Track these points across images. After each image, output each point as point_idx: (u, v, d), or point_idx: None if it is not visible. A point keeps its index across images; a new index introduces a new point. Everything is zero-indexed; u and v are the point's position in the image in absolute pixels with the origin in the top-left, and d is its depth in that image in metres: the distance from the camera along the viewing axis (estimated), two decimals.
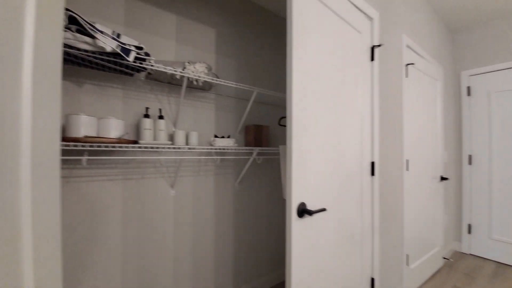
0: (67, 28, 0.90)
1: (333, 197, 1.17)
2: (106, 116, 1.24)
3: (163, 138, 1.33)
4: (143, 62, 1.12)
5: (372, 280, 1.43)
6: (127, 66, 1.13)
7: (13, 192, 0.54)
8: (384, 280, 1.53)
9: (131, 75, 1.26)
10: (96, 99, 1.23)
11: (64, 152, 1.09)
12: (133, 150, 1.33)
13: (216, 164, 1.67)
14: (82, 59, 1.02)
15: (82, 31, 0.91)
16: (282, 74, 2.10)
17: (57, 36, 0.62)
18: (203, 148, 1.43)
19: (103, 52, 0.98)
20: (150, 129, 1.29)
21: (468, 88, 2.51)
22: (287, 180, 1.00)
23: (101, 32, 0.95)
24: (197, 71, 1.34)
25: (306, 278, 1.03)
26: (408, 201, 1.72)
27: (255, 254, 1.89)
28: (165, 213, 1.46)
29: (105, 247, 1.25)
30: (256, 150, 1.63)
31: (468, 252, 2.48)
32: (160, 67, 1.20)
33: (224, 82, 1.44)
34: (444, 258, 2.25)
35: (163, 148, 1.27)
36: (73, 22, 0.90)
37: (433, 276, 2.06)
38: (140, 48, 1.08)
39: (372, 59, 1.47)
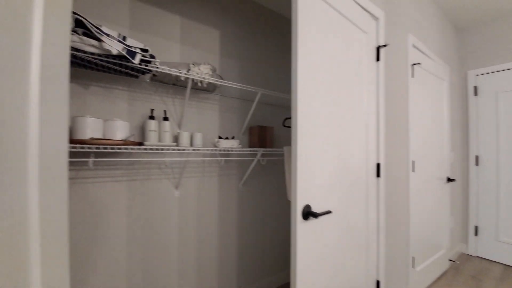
0: (73, 31, 0.90)
1: (338, 199, 1.16)
2: (112, 118, 1.25)
3: (168, 140, 1.33)
4: (148, 64, 1.13)
5: (378, 282, 1.42)
6: (132, 68, 1.14)
7: (21, 194, 0.55)
8: (390, 282, 1.51)
9: (136, 77, 1.26)
10: (102, 101, 1.24)
11: (71, 154, 1.09)
12: (138, 152, 1.34)
13: (220, 165, 1.67)
14: (88, 61, 1.03)
15: (88, 34, 0.92)
16: (286, 75, 2.10)
17: (65, 41, 0.63)
18: (208, 150, 1.43)
19: (109, 55, 0.99)
20: (155, 131, 1.30)
21: (475, 88, 2.47)
22: (292, 182, 0.99)
23: (107, 35, 0.95)
24: (202, 73, 1.34)
25: (311, 281, 1.02)
26: (414, 203, 1.70)
27: (259, 255, 1.89)
28: (170, 213, 1.46)
29: (110, 247, 1.26)
30: (261, 151, 1.63)
31: (474, 255, 2.45)
32: (165, 69, 1.20)
33: (229, 83, 1.44)
34: (450, 260, 2.22)
35: (168, 149, 1.28)
36: (79, 25, 0.91)
37: (439, 278, 2.04)
38: (146, 51, 1.08)
39: (378, 59, 1.46)
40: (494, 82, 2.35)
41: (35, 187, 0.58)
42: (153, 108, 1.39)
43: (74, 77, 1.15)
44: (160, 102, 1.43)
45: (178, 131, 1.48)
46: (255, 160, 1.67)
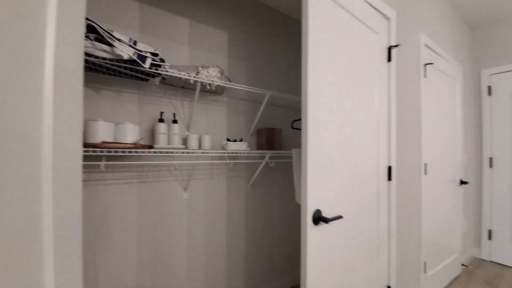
0: (86, 36, 0.91)
1: (349, 204, 1.14)
2: (122, 121, 1.26)
3: (177, 142, 1.34)
4: (158, 68, 1.13)
5: None
6: (142, 72, 1.14)
7: (35, 198, 0.56)
8: None
9: (146, 80, 1.27)
10: (113, 104, 1.26)
11: (83, 158, 1.11)
12: (148, 155, 1.35)
13: (228, 167, 1.67)
14: (100, 65, 1.04)
15: (100, 39, 0.93)
16: (294, 76, 2.08)
17: (78, 48, 0.63)
18: (216, 152, 1.43)
19: (120, 60, 0.99)
20: (164, 133, 1.30)
21: (489, 88, 2.39)
22: (302, 187, 0.98)
23: (119, 40, 0.96)
24: (211, 76, 1.34)
25: (321, 286, 1.01)
26: (426, 207, 1.66)
27: (267, 257, 1.89)
28: (178, 215, 1.47)
29: (120, 247, 1.28)
30: (269, 153, 1.62)
31: (488, 259, 2.38)
32: (175, 73, 1.20)
33: (237, 86, 1.44)
34: (463, 265, 2.16)
35: (178, 152, 1.28)
36: (91, 31, 0.91)
37: (451, 284, 1.99)
38: (156, 55, 1.09)
39: (389, 59, 1.42)
40: (509, 81, 2.27)
41: (49, 191, 0.59)
42: (162, 111, 1.40)
43: (85, 81, 1.16)
44: (169, 104, 1.43)
45: (187, 133, 1.48)
46: (263, 162, 1.66)
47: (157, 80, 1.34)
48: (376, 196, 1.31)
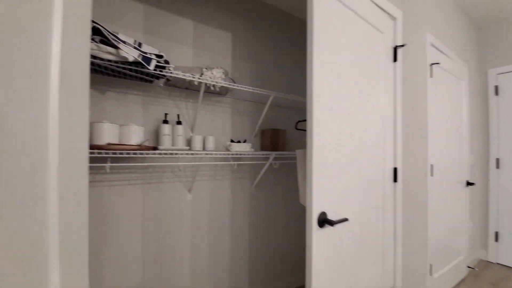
0: (91, 39, 0.91)
1: (355, 206, 1.13)
2: (127, 122, 1.27)
3: (181, 143, 1.34)
4: (163, 70, 1.13)
5: None
6: (147, 74, 1.15)
7: (41, 200, 0.56)
8: None
9: (151, 81, 1.27)
10: (118, 106, 1.26)
11: (89, 159, 1.11)
12: (152, 156, 1.35)
13: (232, 168, 1.67)
14: (105, 67, 1.05)
15: (105, 41, 0.93)
16: (299, 76, 2.07)
17: (84, 52, 0.63)
18: (220, 154, 1.43)
19: (126, 62, 0.99)
20: (169, 135, 1.30)
21: (496, 87, 2.35)
22: (307, 189, 0.97)
23: (124, 42, 0.96)
24: (215, 77, 1.34)
25: None
26: (432, 208, 1.64)
27: (271, 258, 1.88)
28: (183, 216, 1.47)
29: (125, 247, 1.28)
30: (273, 154, 1.61)
31: (494, 261, 2.35)
32: (179, 74, 1.20)
33: (241, 87, 1.43)
34: (469, 267, 2.13)
35: (182, 153, 1.28)
36: (97, 33, 0.92)
37: (457, 286, 1.97)
38: (161, 56, 1.09)
39: (395, 59, 1.41)
40: None
41: (55, 193, 0.59)
42: (166, 112, 1.40)
43: (91, 83, 1.16)
44: (173, 106, 1.43)
45: (191, 134, 1.48)
46: (268, 163, 1.65)
47: (161, 81, 1.34)
48: (382, 198, 1.29)
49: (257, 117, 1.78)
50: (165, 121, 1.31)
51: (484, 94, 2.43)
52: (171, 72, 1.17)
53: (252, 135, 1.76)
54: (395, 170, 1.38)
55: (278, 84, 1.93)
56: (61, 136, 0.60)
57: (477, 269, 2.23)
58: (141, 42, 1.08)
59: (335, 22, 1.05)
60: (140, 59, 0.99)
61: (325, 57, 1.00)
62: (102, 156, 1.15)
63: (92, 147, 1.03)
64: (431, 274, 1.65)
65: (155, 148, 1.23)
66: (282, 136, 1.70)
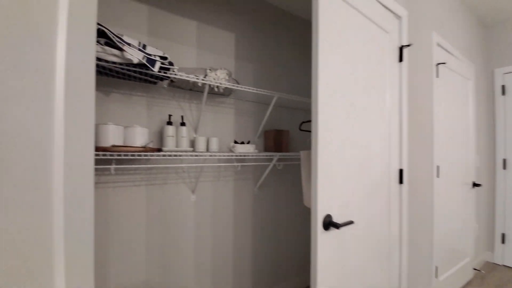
0: (96, 41, 0.92)
1: (360, 208, 1.12)
2: (131, 124, 1.27)
3: (185, 145, 1.34)
4: (167, 72, 1.13)
5: None
6: (151, 75, 1.15)
7: (46, 202, 0.56)
8: None
9: (155, 83, 1.27)
10: (122, 107, 1.26)
11: (94, 161, 1.12)
12: (157, 158, 1.35)
13: (236, 169, 1.66)
14: (110, 69, 1.05)
15: (110, 44, 0.93)
16: (302, 77, 2.05)
17: (90, 55, 0.63)
18: (224, 155, 1.43)
19: (130, 64, 0.99)
20: (172, 136, 1.30)
21: (503, 87, 2.32)
22: (312, 191, 0.96)
23: (128, 44, 0.96)
24: (219, 78, 1.33)
25: None
26: (438, 210, 1.62)
27: (275, 259, 1.88)
28: (186, 217, 1.47)
29: (129, 247, 1.29)
30: (277, 156, 1.61)
31: (501, 263, 2.31)
32: (183, 76, 1.20)
33: (245, 88, 1.43)
34: (475, 269, 2.11)
35: (186, 155, 1.28)
36: (102, 36, 0.92)
37: None
38: (165, 58, 1.08)
39: (401, 59, 1.39)
40: None
41: (61, 195, 0.59)
42: (170, 113, 1.40)
43: (95, 85, 1.17)
44: (177, 107, 1.43)
45: (195, 135, 1.48)
46: (271, 164, 1.65)
47: (165, 83, 1.34)
48: (387, 200, 1.28)
49: (260, 118, 1.77)
50: (169, 123, 1.31)
51: (490, 94, 2.39)
52: (175, 74, 1.17)
53: (256, 136, 1.75)
54: (401, 171, 1.36)
55: (282, 84, 1.92)
56: (67, 138, 0.60)
57: (483, 271, 2.20)
58: (145, 44, 1.08)
59: (340, 22, 1.04)
60: (144, 61, 0.99)
61: (330, 57, 0.99)
62: (107, 158, 1.15)
63: (97, 149, 1.03)
64: (436, 276, 1.63)
65: (159, 150, 1.23)
66: (286, 137, 1.69)
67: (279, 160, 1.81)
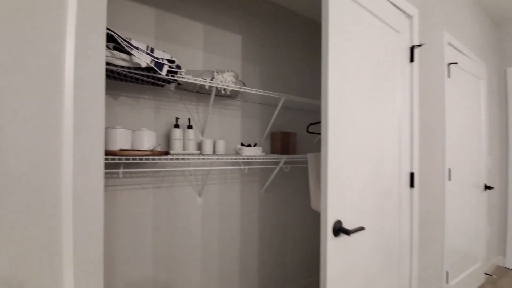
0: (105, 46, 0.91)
1: (371, 213, 1.10)
2: (139, 127, 1.27)
3: (192, 148, 1.33)
4: (174, 75, 1.13)
5: None
6: (159, 79, 1.14)
7: (54, 204, 0.56)
8: None
9: (162, 86, 1.27)
10: (130, 110, 1.26)
11: None
12: (164, 162, 1.35)
13: (242, 172, 1.65)
14: (118, 73, 1.05)
15: (119, 48, 0.93)
16: (310, 78, 2.03)
17: (99, 63, 0.63)
18: (231, 158, 1.42)
19: (138, 67, 0.99)
20: (180, 139, 1.30)
21: None
22: (322, 196, 0.94)
23: (137, 48, 0.95)
24: (226, 80, 1.32)
25: None
26: (449, 214, 1.58)
27: (282, 262, 1.87)
28: (193, 220, 1.47)
29: (137, 248, 1.29)
30: (284, 158, 1.59)
31: None
32: (191, 79, 1.19)
33: (253, 90, 1.41)
34: (486, 274, 2.06)
35: (193, 158, 1.28)
36: (110, 40, 0.91)
37: None
38: (172, 62, 1.08)
39: (412, 60, 1.35)
40: None
41: (70, 199, 0.59)
42: (177, 116, 1.40)
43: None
44: (184, 109, 1.43)
45: (201, 138, 1.48)
46: (278, 167, 1.63)
47: (172, 85, 1.34)
48: (398, 204, 1.25)
49: (267, 120, 1.76)
50: (176, 125, 1.31)
51: (503, 94, 2.32)
52: (182, 77, 1.16)
53: (262, 138, 1.74)
54: (412, 175, 1.33)
55: (289, 86, 1.90)
56: (76, 144, 0.60)
57: (494, 276, 2.14)
58: (153, 47, 1.08)
59: (351, 22, 1.02)
60: (152, 65, 0.99)
61: (340, 58, 0.97)
62: (115, 162, 1.15)
63: (105, 153, 1.03)
64: (447, 282, 1.59)
65: (166, 153, 1.23)
66: (293, 139, 1.67)
67: (286, 162, 1.79)
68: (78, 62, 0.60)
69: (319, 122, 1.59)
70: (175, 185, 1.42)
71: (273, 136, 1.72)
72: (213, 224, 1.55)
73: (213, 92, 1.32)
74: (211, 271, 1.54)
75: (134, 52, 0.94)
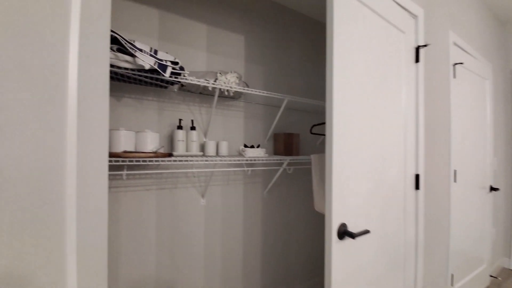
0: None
1: (376, 216, 1.08)
2: (142, 129, 1.27)
3: (195, 149, 1.33)
4: (178, 76, 1.12)
5: None
6: (162, 80, 1.14)
7: (59, 207, 0.56)
8: None
9: (166, 87, 1.27)
10: (133, 112, 1.26)
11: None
12: (168, 163, 1.35)
13: (246, 173, 1.65)
14: (122, 75, 1.04)
15: (123, 50, 0.92)
16: (314, 79, 2.02)
17: (103, 67, 0.62)
18: (234, 160, 1.41)
19: (142, 69, 0.99)
20: (183, 141, 1.30)
21: None
22: (327, 199, 0.93)
23: (140, 50, 0.95)
24: (229, 82, 1.32)
25: None
26: (454, 216, 1.57)
27: (285, 263, 1.86)
28: (196, 221, 1.47)
29: (140, 249, 1.29)
30: (287, 160, 1.58)
31: None
32: (194, 80, 1.19)
33: (256, 91, 1.40)
34: (491, 276, 2.04)
35: (197, 160, 1.27)
36: (114, 42, 0.91)
37: None
38: (176, 63, 1.07)
39: (417, 60, 1.34)
40: None
41: (74, 201, 0.59)
42: (181, 117, 1.39)
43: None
44: (187, 111, 1.43)
45: (205, 139, 1.47)
46: (281, 168, 1.62)
47: (175, 87, 1.34)
48: (403, 206, 1.24)
49: (270, 121, 1.75)
50: (179, 127, 1.30)
51: (508, 94, 2.30)
52: (186, 79, 1.16)
53: (265, 139, 1.73)
54: (417, 177, 1.32)
55: (292, 86, 1.89)
56: (80, 146, 0.60)
57: (500, 278, 2.12)
58: (156, 49, 1.07)
59: (356, 22, 1.00)
60: (156, 67, 0.98)
61: (345, 59, 0.96)
62: (119, 164, 1.15)
63: (109, 155, 1.03)
64: (452, 284, 1.58)
65: (170, 155, 1.23)
66: (296, 140, 1.66)
67: (289, 164, 1.78)
68: (82, 65, 0.59)
69: (323, 123, 1.58)
70: (178, 187, 1.41)
71: (276, 137, 1.71)
72: (216, 225, 1.54)
73: (216, 93, 1.31)
74: (214, 272, 1.54)
75: (137, 54, 0.94)
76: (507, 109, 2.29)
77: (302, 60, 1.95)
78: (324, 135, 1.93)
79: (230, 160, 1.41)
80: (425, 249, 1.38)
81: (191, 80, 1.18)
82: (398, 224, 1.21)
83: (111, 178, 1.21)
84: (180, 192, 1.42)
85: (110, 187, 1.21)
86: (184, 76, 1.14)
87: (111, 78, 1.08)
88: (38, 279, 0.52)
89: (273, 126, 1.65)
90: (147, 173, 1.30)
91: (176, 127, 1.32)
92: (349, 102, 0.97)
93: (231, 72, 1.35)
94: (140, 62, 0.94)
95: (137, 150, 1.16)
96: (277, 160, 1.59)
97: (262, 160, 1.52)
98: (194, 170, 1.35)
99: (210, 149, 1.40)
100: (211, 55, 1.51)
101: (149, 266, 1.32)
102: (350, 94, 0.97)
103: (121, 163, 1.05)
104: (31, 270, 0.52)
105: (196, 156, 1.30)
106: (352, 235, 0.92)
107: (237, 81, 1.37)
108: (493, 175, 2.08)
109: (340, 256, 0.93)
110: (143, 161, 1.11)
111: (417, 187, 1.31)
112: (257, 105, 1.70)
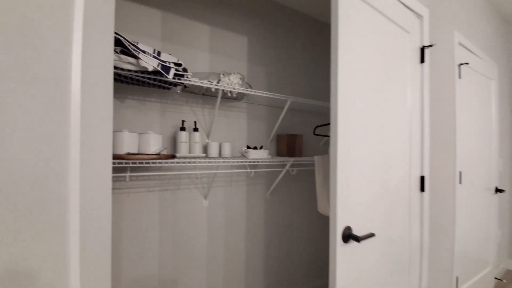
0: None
1: (381, 219, 1.07)
2: (145, 130, 1.27)
3: (198, 151, 1.33)
4: (181, 78, 1.12)
5: None
6: (165, 82, 1.13)
7: (63, 210, 0.56)
8: None
9: (169, 88, 1.26)
10: (136, 113, 1.26)
11: None
12: (171, 165, 1.34)
13: (249, 175, 1.64)
14: (125, 76, 1.04)
15: (126, 52, 0.92)
16: (317, 80, 2.00)
17: (107, 71, 0.62)
18: (237, 161, 1.40)
19: (145, 71, 0.98)
20: (186, 142, 1.29)
21: None
22: (331, 202, 0.92)
23: (144, 52, 0.95)
24: (232, 83, 1.31)
25: None
26: (459, 218, 1.55)
27: (288, 264, 1.85)
28: (199, 222, 1.47)
29: (143, 249, 1.29)
30: (290, 161, 1.57)
31: None
32: (197, 82, 1.18)
33: (259, 92, 1.40)
34: (496, 278, 2.01)
35: (200, 162, 1.27)
36: (117, 44, 0.91)
37: None
38: (179, 65, 1.07)
39: (422, 60, 1.32)
40: None
41: (77, 203, 0.59)
42: (183, 119, 1.39)
43: None
44: (190, 112, 1.42)
45: (207, 141, 1.47)
46: (284, 170, 1.61)
47: (178, 88, 1.33)
48: (408, 209, 1.23)
49: (273, 122, 1.74)
50: (182, 128, 1.30)
51: None
52: (189, 80, 1.15)
53: (268, 140, 1.72)
54: (422, 178, 1.30)
55: (295, 87, 1.88)
56: (84, 148, 0.59)
57: (505, 280, 2.10)
58: (159, 50, 1.07)
59: (360, 23, 0.99)
60: (159, 68, 0.98)
61: (350, 59, 0.95)
62: (122, 166, 1.15)
63: (113, 157, 1.03)
64: (457, 287, 1.56)
65: (173, 156, 1.23)
66: (299, 141, 1.65)
67: (292, 165, 1.77)
68: (86, 67, 0.59)
69: (326, 124, 1.57)
70: (181, 188, 1.41)
71: (279, 138, 1.70)
72: (218, 226, 1.54)
73: (219, 95, 1.30)
74: (217, 273, 1.53)
75: (141, 55, 0.93)
76: None
77: (306, 60, 1.94)
78: (327, 136, 1.92)
79: (233, 162, 1.41)
80: (430, 252, 1.36)
81: (194, 81, 1.18)
82: (403, 227, 1.20)
83: (114, 179, 1.21)
84: (182, 194, 1.41)
85: (113, 189, 1.21)
86: (187, 77, 1.14)
87: (114, 79, 1.07)
88: (42, 277, 0.53)
89: (276, 127, 1.64)
90: (150, 175, 1.30)
91: (179, 129, 1.32)
92: (354, 103, 0.96)
93: (234, 73, 1.34)
94: (143, 64, 0.93)
95: (140, 152, 1.15)
96: (280, 161, 1.58)
97: (265, 161, 1.51)
98: (197, 171, 1.34)
99: (213, 150, 1.39)
100: (213, 56, 1.50)
101: (152, 266, 1.32)
102: (355, 95, 0.96)
103: (124, 165, 1.05)
104: (36, 268, 0.52)
105: (199, 157, 1.29)
106: (357, 239, 0.91)
107: (240, 82, 1.36)
108: (498, 176, 2.05)
109: (344, 260, 0.92)
110: (146, 163, 1.10)
111: (422, 189, 1.30)
112: (260, 106, 1.69)
